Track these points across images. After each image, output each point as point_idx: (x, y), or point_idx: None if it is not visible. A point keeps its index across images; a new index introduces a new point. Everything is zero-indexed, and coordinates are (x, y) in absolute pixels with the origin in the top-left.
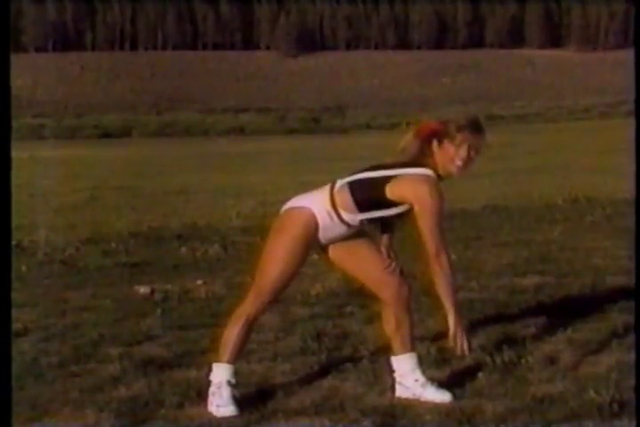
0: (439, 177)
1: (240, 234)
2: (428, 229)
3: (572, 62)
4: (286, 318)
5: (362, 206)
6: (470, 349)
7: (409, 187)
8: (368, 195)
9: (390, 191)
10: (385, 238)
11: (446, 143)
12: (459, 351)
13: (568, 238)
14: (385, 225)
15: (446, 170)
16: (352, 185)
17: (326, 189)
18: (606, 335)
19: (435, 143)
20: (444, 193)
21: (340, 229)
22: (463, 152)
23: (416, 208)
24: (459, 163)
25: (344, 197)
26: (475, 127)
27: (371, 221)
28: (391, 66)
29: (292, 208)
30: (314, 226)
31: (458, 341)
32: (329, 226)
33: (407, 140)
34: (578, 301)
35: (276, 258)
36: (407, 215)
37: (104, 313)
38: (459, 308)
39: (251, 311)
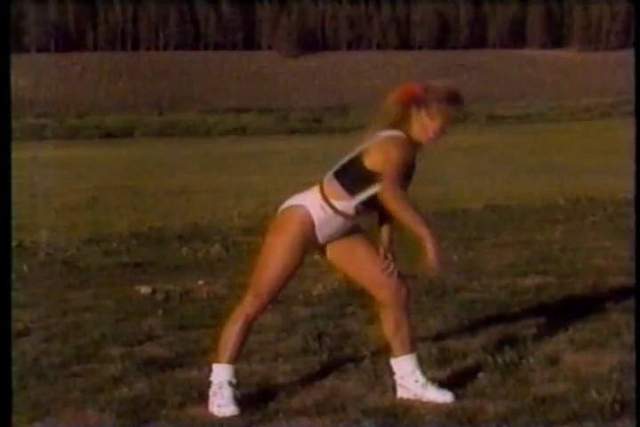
0: (414, 142)
1: (241, 234)
2: (386, 177)
3: (573, 62)
4: (288, 319)
5: (351, 190)
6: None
7: (378, 149)
8: (353, 175)
9: (368, 162)
10: (383, 239)
11: (422, 112)
12: (433, 266)
13: (569, 239)
14: (383, 215)
15: (418, 138)
16: (337, 173)
17: (317, 186)
18: (608, 336)
19: (413, 109)
20: (445, 193)
21: (337, 224)
22: (437, 124)
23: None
24: (430, 134)
25: (333, 186)
26: (454, 100)
27: (366, 207)
28: (393, 66)
29: (287, 207)
30: (309, 223)
31: (435, 257)
32: (324, 221)
33: (388, 105)
34: (579, 301)
35: (273, 258)
36: (403, 187)
37: (105, 313)
38: (433, 233)
39: (249, 311)
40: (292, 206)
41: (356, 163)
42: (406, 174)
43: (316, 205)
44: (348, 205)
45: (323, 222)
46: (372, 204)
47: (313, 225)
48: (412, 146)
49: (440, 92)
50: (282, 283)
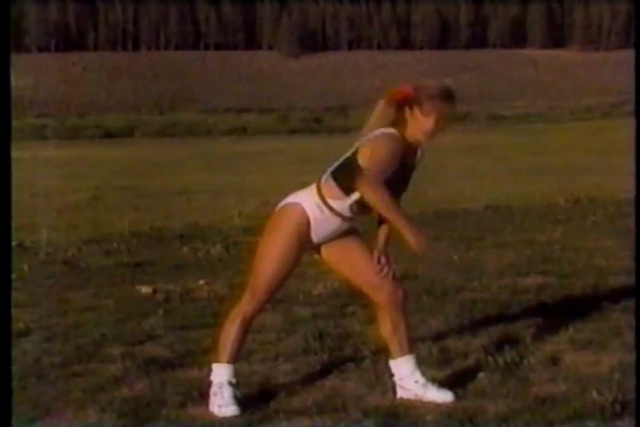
0: (410, 142)
1: (242, 234)
2: (367, 169)
3: (574, 62)
4: (288, 318)
5: (346, 189)
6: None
7: (368, 146)
8: (348, 174)
9: (360, 160)
10: (379, 241)
11: (416, 111)
12: (417, 245)
13: (570, 239)
14: (381, 216)
15: (415, 138)
16: (334, 172)
17: (314, 184)
18: (608, 336)
19: (407, 110)
20: (445, 193)
21: (332, 224)
22: (431, 121)
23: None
24: (426, 131)
25: (329, 186)
26: (446, 96)
27: (362, 208)
28: (393, 66)
29: (284, 205)
30: (305, 221)
31: (417, 244)
32: (320, 220)
33: (380, 108)
34: (580, 301)
35: (269, 257)
36: (398, 188)
37: (106, 313)
38: (412, 223)
39: (247, 311)
40: (288, 204)
41: (350, 162)
42: (403, 177)
43: (313, 204)
44: (343, 204)
45: (318, 222)
46: (369, 205)
47: (308, 224)
48: (405, 144)
49: (431, 90)
50: (279, 281)
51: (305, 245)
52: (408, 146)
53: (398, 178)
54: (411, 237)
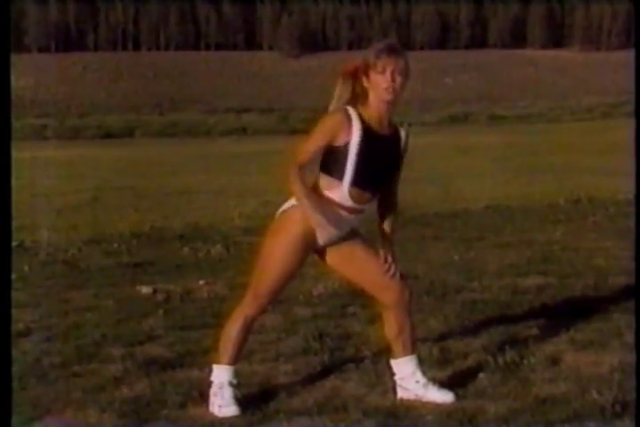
0: (384, 105)
1: (242, 234)
2: (299, 146)
3: (574, 62)
4: (288, 319)
5: (335, 174)
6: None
7: None
8: (328, 159)
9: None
10: (383, 241)
11: (372, 74)
12: (320, 238)
13: (570, 239)
14: (382, 216)
15: (381, 98)
16: (322, 166)
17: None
18: (609, 336)
19: (364, 79)
20: (445, 193)
21: (339, 220)
22: (387, 77)
23: None
24: (388, 88)
25: (322, 179)
26: (391, 50)
27: (361, 191)
28: None
29: (287, 209)
30: (310, 224)
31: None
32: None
33: (339, 86)
34: (580, 301)
35: (273, 259)
36: (386, 171)
37: (106, 313)
38: (318, 211)
39: (249, 313)
40: (291, 207)
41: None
42: (387, 158)
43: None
44: (341, 193)
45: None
46: (366, 187)
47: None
48: (371, 115)
49: (375, 49)
50: (282, 284)
51: (309, 247)
52: (380, 119)
53: (380, 160)
54: (315, 228)
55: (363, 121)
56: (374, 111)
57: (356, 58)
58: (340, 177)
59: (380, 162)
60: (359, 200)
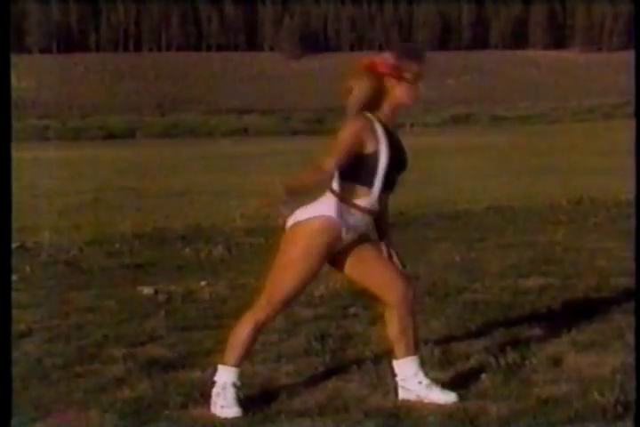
0: (399, 108)
1: (244, 235)
2: (327, 152)
3: (576, 63)
4: (290, 320)
5: (365, 181)
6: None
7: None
8: (357, 167)
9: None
10: (385, 239)
11: (401, 78)
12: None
13: (572, 240)
14: (380, 217)
15: (403, 103)
16: (342, 174)
17: (326, 195)
18: (610, 337)
19: (391, 80)
20: (447, 194)
21: (360, 223)
22: (418, 87)
23: None
24: (415, 97)
25: (348, 188)
26: (423, 58)
27: (384, 192)
28: None
29: (308, 219)
30: (337, 232)
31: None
32: (351, 224)
33: (358, 83)
34: (582, 302)
35: (294, 269)
36: (399, 167)
37: (108, 314)
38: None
39: (260, 318)
40: (312, 218)
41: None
42: (399, 156)
43: (339, 211)
44: (371, 199)
45: (350, 227)
46: (387, 189)
47: (339, 233)
48: (382, 119)
49: (413, 52)
50: (298, 293)
51: (329, 256)
52: (393, 121)
53: (399, 162)
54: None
55: (383, 126)
56: (390, 113)
57: (378, 55)
58: (370, 184)
59: (400, 164)
60: (381, 203)
